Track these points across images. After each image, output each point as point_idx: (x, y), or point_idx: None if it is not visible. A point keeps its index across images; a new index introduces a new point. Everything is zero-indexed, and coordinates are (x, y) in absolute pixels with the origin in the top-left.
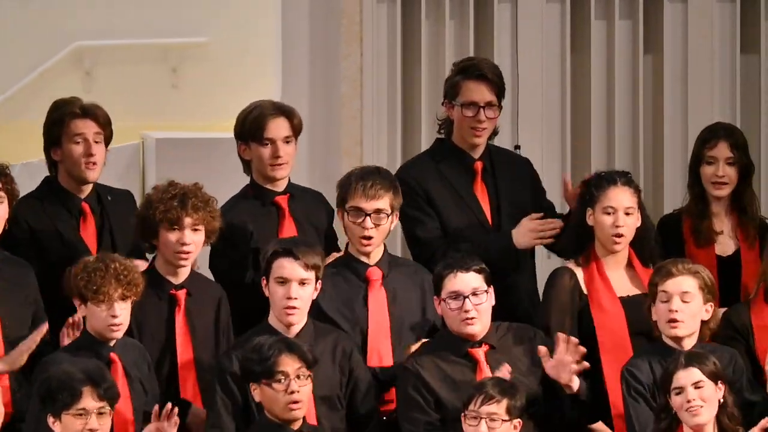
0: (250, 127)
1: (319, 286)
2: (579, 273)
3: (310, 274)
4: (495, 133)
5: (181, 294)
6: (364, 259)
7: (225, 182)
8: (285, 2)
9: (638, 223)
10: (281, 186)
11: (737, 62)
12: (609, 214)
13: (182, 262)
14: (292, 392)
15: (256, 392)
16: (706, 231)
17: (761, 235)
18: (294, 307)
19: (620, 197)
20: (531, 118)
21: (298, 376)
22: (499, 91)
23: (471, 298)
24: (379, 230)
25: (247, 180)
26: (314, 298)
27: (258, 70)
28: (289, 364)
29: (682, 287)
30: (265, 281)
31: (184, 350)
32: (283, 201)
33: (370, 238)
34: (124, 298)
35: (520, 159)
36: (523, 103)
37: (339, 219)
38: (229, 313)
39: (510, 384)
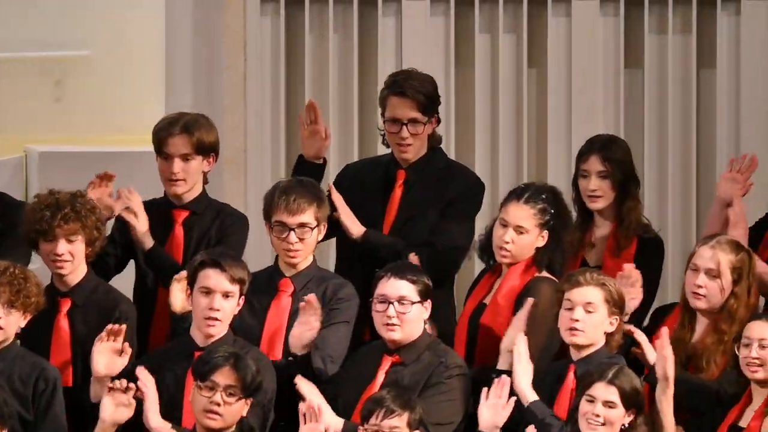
0: (154, 140)
1: (242, 302)
2: None
3: (235, 288)
4: (437, 141)
5: (65, 302)
6: (285, 270)
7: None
8: (168, 14)
9: (533, 240)
10: (183, 200)
11: (621, 76)
12: (504, 226)
13: (59, 271)
14: (214, 403)
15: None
16: (577, 241)
17: (641, 247)
18: (215, 319)
19: (514, 213)
20: None
21: (227, 392)
22: (424, 107)
23: (396, 304)
24: (305, 243)
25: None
26: (235, 313)
27: (142, 82)
28: (225, 376)
29: (587, 297)
30: (189, 291)
31: (56, 356)
32: (179, 216)
33: (296, 250)
34: (10, 304)
35: (454, 176)
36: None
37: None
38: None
39: (409, 396)
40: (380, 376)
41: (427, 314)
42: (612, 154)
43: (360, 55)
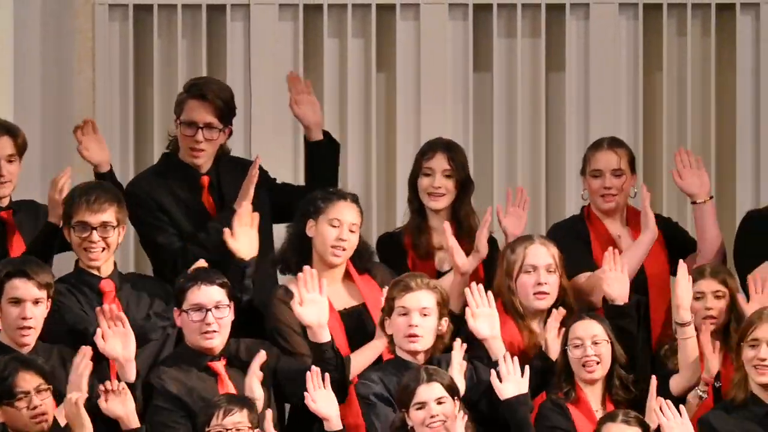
0: None
1: (49, 304)
2: (295, 290)
3: (43, 293)
4: (225, 153)
5: None
6: (95, 272)
7: None
8: (17, 18)
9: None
10: (3, 203)
11: (470, 79)
12: (335, 226)
13: None
14: (35, 407)
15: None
16: (425, 245)
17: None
18: (29, 327)
19: (345, 212)
20: (264, 137)
21: (38, 391)
22: (222, 114)
23: (213, 311)
24: (108, 242)
25: None
26: (45, 317)
27: None
28: (28, 381)
29: (422, 303)
30: None
31: None
32: (7, 216)
33: (100, 250)
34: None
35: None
36: (256, 122)
37: (66, 236)
38: None
39: (242, 396)
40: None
41: (233, 315)
42: (456, 155)
43: (208, 59)
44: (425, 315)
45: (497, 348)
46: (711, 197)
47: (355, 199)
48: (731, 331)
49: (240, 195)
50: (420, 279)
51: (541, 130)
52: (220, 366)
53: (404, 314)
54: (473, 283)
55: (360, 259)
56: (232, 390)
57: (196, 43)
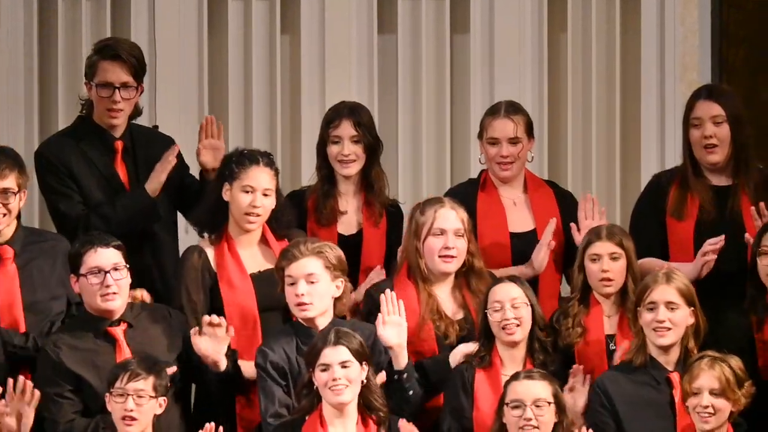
0: None
1: None
2: (210, 251)
3: None
4: (138, 112)
5: None
6: None
7: None
8: None
9: (274, 205)
10: None
11: (375, 41)
12: (247, 192)
13: None
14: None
15: None
16: (330, 210)
17: (390, 215)
18: None
19: (259, 178)
20: (168, 98)
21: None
22: (136, 72)
23: (112, 272)
24: (9, 209)
25: None
26: None
27: None
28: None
29: (307, 269)
30: None
31: None
32: None
33: (1, 216)
34: None
35: (163, 138)
36: (161, 84)
37: None
38: None
39: (154, 362)
40: (124, 347)
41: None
42: (362, 118)
43: (113, 22)
44: (312, 282)
45: (402, 358)
46: None
47: (268, 162)
48: (629, 292)
49: (152, 176)
50: (305, 245)
51: (446, 92)
52: (119, 331)
53: (292, 283)
54: (387, 290)
55: (277, 224)
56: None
57: (100, 6)
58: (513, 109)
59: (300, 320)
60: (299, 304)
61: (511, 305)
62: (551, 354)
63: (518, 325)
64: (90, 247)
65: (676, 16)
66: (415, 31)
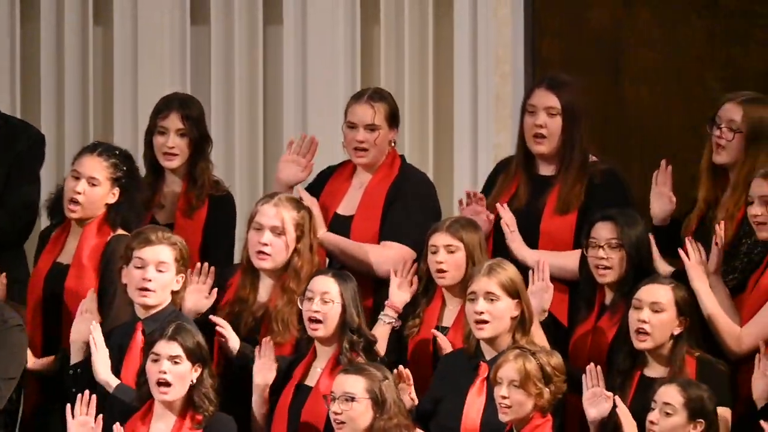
0: None
1: None
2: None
3: None
4: None
5: None
6: None
7: None
8: None
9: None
10: None
11: (187, 32)
12: (77, 178)
13: None
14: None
15: None
16: (147, 201)
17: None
18: None
19: (85, 165)
20: None
21: None
22: None
23: None
24: None
25: None
26: None
27: None
28: None
29: (160, 257)
30: None
31: None
32: None
33: None
34: None
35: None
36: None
37: None
38: None
39: None
40: None
41: None
42: (191, 112)
43: None
44: (161, 271)
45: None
46: None
47: (100, 152)
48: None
49: None
50: (161, 232)
51: (258, 84)
52: None
53: (140, 267)
54: None
55: (115, 217)
56: None
57: None
58: (377, 96)
59: (135, 311)
60: (143, 289)
61: (321, 300)
62: (362, 356)
63: (320, 321)
64: None
65: (489, 8)
66: (228, 23)
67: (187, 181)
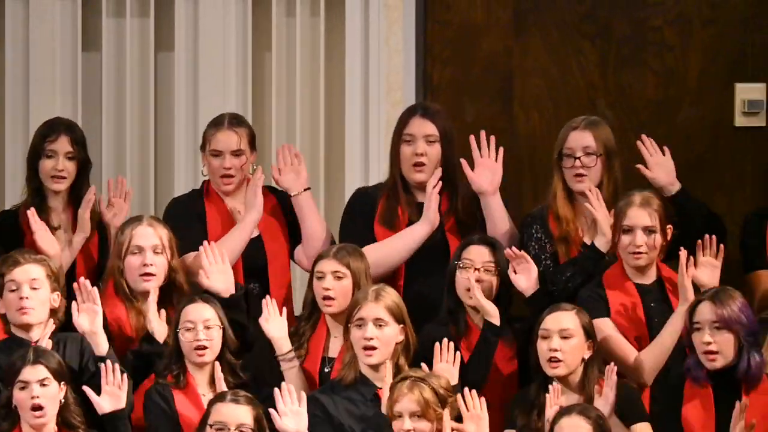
0: None
1: None
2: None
3: None
4: None
5: None
6: None
7: None
8: None
9: None
10: None
11: (78, 59)
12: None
13: None
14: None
15: None
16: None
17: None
18: None
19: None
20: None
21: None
22: None
23: None
24: None
25: None
26: None
27: None
28: None
29: (31, 275)
30: None
31: None
32: None
33: None
34: None
35: None
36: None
37: None
38: None
39: None
40: None
41: None
42: (77, 135)
43: None
44: (35, 288)
45: (98, 344)
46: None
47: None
48: None
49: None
50: (28, 254)
51: (150, 110)
52: None
53: (15, 289)
54: None
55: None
56: None
57: None
58: (236, 121)
59: (13, 332)
60: (22, 308)
61: (204, 326)
62: (240, 377)
63: (207, 348)
64: None
65: (381, 36)
66: (120, 49)
67: (73, 205)
